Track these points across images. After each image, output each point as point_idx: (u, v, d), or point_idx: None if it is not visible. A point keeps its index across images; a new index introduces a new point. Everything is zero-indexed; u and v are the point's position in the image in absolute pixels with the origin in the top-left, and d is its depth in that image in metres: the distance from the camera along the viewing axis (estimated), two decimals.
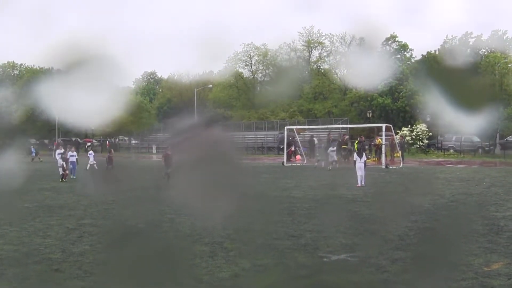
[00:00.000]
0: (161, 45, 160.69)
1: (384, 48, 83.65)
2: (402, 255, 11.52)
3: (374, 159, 45.24)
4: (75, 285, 9.76)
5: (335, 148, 36.95)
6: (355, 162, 26.76)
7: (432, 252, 11.96)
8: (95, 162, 37.65)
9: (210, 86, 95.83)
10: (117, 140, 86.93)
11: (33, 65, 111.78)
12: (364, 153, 28.33)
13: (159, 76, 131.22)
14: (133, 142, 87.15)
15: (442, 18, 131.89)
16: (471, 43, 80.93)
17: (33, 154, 56.26)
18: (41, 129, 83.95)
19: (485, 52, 79.86)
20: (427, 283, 9.80)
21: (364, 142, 46.32)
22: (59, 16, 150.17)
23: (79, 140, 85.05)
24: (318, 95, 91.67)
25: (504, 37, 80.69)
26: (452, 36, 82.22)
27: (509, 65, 71.60)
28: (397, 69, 75.79)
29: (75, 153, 34.44)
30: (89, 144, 73.85)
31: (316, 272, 10.73)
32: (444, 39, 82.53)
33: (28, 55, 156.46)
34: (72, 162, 33.46)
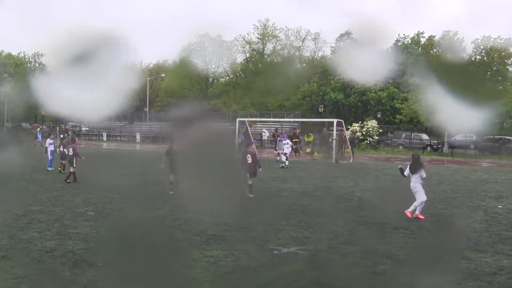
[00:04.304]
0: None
1: (337, 44, 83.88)
2: (351, 249, 11.66)
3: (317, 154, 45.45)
4: (23, 272, 9.63)
5: (287, 141, 36.62)
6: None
7: (381, 247, 12.11)
8: None
9: (163, 75, 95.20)
10: (67, 126, 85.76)
11: None
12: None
13: None
14: (84, 129, 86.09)
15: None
16: (422, 42, 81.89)
17: (39, 139, 54.42)
18: None
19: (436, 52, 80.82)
20: (376, 277, 9.93)
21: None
22: None
23: (28, 125, 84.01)
24: (270, 88, 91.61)
25: (455, 38, 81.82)
26: (404, 35, 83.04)
27: None
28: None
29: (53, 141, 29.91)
30: None
31: (267, 265, 10.79)
32: (397, 38, 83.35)
33: None
34: (52, 152, 28.74)
